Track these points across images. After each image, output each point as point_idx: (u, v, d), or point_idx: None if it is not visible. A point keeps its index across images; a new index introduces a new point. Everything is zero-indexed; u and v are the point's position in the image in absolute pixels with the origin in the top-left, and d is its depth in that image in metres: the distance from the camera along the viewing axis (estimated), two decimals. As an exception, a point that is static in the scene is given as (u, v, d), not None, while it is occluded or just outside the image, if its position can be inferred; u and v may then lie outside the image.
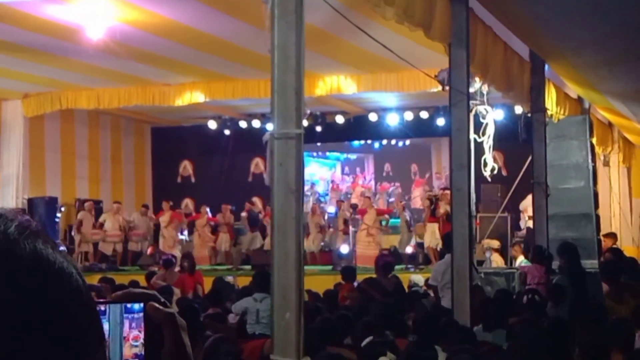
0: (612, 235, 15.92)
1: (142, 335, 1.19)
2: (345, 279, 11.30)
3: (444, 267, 9.62)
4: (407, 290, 11.68)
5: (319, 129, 20.03)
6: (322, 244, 18.75)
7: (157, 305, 1.19)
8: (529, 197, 15.97)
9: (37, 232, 0.94)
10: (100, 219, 19.02)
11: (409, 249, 17.53)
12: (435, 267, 10.64)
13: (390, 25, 8.92)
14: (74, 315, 0.93)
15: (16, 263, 0.90)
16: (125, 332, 1.20)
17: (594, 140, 15.07)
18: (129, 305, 1.21)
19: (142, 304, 1.20)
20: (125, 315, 1.20)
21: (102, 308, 1.18)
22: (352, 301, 10.08)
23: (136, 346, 1.19)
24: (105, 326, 1.17)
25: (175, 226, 19.27)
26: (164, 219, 19.14)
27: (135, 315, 1.20)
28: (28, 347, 0.88)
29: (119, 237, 18.90)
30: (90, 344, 0.95)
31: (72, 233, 18.94)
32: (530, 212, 15.87)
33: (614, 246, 14.86)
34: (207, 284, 12.76)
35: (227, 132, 21.46)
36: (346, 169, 27.65)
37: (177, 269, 14.13)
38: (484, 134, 12.59)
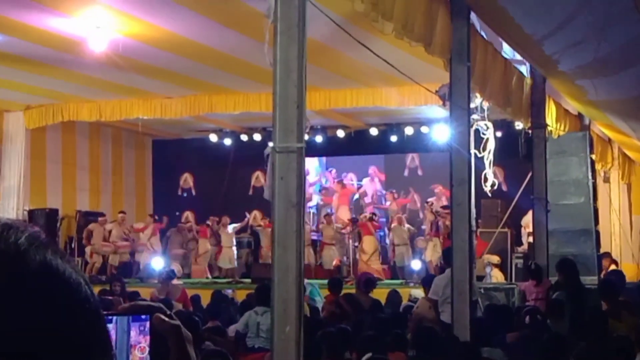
0: (607, 255, 15.88)
1: (147, 347, 1.22)
2: (331, 291, 11.29)
3: (444, 282, 9.62)
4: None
5: (319, 142, 20.04)
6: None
7: (162, 317, 1.21)
8: (530, 213, 15.99)
9: (47, 242, 0.96)
10: (107, 229, 19.10)
11: (416, 265, 17.44)
12: (436, 282, 10.63)
13: (391, 39, 8.96)
14: (82, 324, 0.94)
15: (26, 273, 0.92)
16: (132, 341, 1.22)
17: (594, 157, 15.10)
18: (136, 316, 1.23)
19: (148, 316, 1.22)
20: (132, 325, 1.22)
21: (110, 318, 1.21)
22: (327, 314, 10.11)
23: (142, 357, 1.22)
24: (113, 335, 1.20)
25: (156, 238, 19.18)
26: (147, 232, 19.08)
27: (142, 326, 1.22)
28: (37, 355, 0.90)
29: (128, 247, 18.93)
30: (98, 352, 0.96)
31: (80, 244, 18.97)
32: (530, 228, 15.89)
33: (613, 267, 14.89)
34: (206, 297, 12.73)
35: (228, 145, 21.49)
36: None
37: (175, 281, 14.10)
38: (484, 150, 12.61)
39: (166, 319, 1.21)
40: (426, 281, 11.01)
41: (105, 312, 1.20)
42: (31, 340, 0.90)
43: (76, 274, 0.96)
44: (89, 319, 0.96)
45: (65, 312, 0.93)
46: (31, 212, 18.41)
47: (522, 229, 17.09)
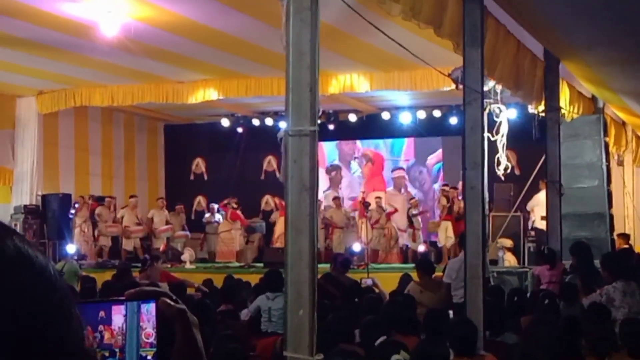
0: (625, 236, 15.87)
1: (153, 332, 1.21)
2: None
3: (458, 265, 9.61)
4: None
5: (331, 127, 20.02)
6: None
7: (168, 301, 1.21)
8: (535, 197, 15.96)
9: (9, 227, 0.98)
10: (119, 215, 19.10)
11: (420, 247, 17.52)
12: (449, 265, 10.63)
13: (403, 23, 8.90)
14: (50, 307, 0.96)
15: (2, 259, 0.93)
16: (142, 324, 1.22)
17: (608, 140, 15.00)
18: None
19: (153, 300, 1.22)
20: (141, 308, 1.22)
21: (121, 303, 1.21)
22: None
23: (148, 342, 1.22)
24: (123, 320, 1.21)
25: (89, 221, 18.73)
26: (82, 214, 18.47)
27: (148, 311, 1.22)
28: (10, 337, 0.91)
29: (141, 232, 18.90)
30: (66, 324, 0.98)
31: (94, 228, 18.99)
32: (536, 213, 15.85)
33: (625, 246, 14.84)
34: (219, 281, 12.76)
35: (239, 129, 21.49)
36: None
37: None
38: (497, 133, 12.56)
39: (172, 303, 1.21)
40: (420, 265, 10.96)
41: (114, 299, 1.21)
42: (4, 324, 0.91)
43: (43, 257, 0.98)
44: (57, 301, 0.97)
45: (36, 297, 0.94)
46: (44, 197, 18.49)
47: (529, 213, 16.99)
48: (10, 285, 0.92)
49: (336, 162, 21.89)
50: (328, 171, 21.42)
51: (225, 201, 19.73)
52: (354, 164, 21.99)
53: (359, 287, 10.52)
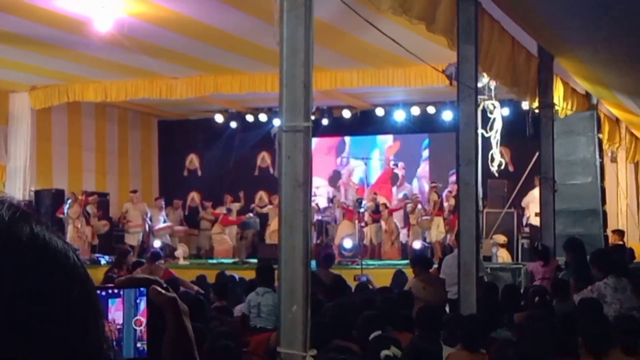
0: (619, 232, 15.91)
1: (144, 320, 1.21)
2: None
3: (452, 261, 9.62)
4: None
5: (325, 123, 20.01)
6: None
7: (159, 289, 1.20)
8: (530, 194, 15.99)
9: (29, 212, 0.95)
10: (123, 209, 19.02)
11: (416, 244, 17.52)
12: (444, 261, 10.64)
13: (397, 19, 8.90)
14: (74, 293, 0.94)
15: (16, 246, 0.91)
16: (139, 314, 1.22)
17: (602, 136, 15.03)
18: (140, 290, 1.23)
19: (144, 289, 1.21)
20: (137, 300, 1.22)
21: (117, 291, 1.21)
22: None
23: (138, 330, 1.21)
24: (121, 309, 1.20)
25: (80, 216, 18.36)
26: (74, 210, 18.19)
27: (139, 299, 1.22)
28: (30, 324, 0.89)
29: (141, 227, 18.82)
30: (89, 317, 0.96)
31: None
32: (531, 209, 15.88)
33: (619, 243, 14.88)
34: (212, 277, 12.74)
35: (233, 125, 21.46)
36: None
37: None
38: (491, 129, 12.56)
39: (163, 291, 1.21)
40: (417, 260, 10.92)
41: (107, 286, 1.21)
42: (27, 311, 0.89)
43: (62, 242, 0.96)
44: (80, 286, 0.95)
45: (57, 282, 0.92)
46: (37, 193, 18.42)
47: (523, 210, 17.01)
48: (23, 272, 0.89)
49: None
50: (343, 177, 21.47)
51: (224, 208, 19.70)
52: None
53: (342, 284, 10.30)
